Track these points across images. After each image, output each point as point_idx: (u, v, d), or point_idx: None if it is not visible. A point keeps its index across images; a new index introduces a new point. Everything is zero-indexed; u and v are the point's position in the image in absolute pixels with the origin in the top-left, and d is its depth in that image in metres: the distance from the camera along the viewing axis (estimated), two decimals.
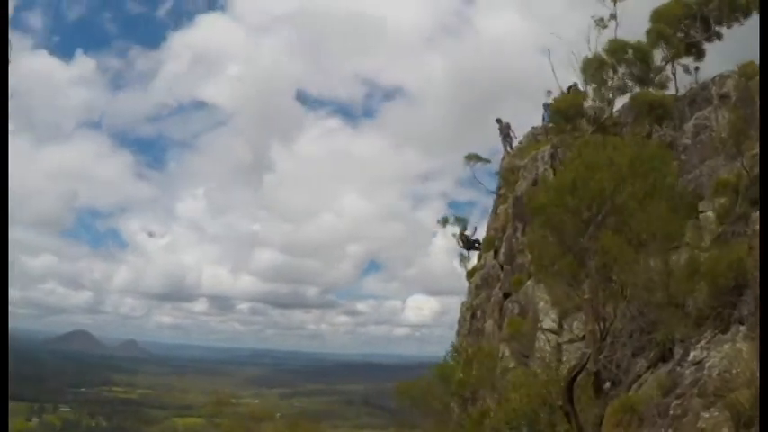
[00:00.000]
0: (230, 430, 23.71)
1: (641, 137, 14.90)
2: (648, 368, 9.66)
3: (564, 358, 11.81)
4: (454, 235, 23.36)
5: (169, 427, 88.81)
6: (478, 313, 20.40)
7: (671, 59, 16.93)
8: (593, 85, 18.15)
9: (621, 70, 17.32)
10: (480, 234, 22.95)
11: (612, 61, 17.43)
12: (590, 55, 17.73)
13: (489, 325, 19.24)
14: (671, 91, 16.95)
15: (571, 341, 12.57)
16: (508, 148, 23.24)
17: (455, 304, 22.92)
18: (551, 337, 14.05)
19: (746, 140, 11.67)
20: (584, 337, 10.15)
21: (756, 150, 10.40)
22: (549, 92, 19.54)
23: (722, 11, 16.46)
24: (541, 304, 15.48)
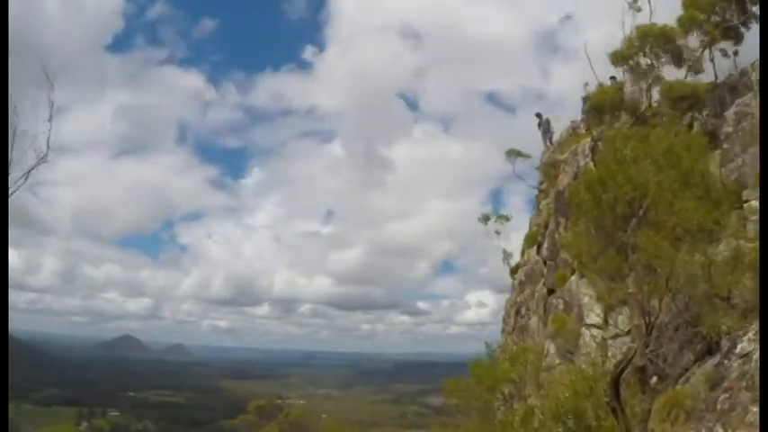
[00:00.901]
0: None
1: (680, 127, 14.66)
2: (695, 362, 9.59)
3: (609, 354, 11.78)
4: None
5: (216, 429, 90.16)
6: (523, 310, 20.44)
7: (708, 45, 16.53)
8: (630, 75, 17.93)
9: (654, 58, 17.03)
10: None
11: (646, 49, 17.17)
12: (623, 42, 17.51)
13: (534, 322, 19.27)
14: (709, 77, 16.57)
15: (616, 336, 12.51)
16: (548, 143, 23.25)
17: None
18: (596, 332, 14.03)
19: None
20: (629, 331, 10.11)
21: None
22: (587, 84, 19.33)
23: None
24: (586, 300, 15.45)
